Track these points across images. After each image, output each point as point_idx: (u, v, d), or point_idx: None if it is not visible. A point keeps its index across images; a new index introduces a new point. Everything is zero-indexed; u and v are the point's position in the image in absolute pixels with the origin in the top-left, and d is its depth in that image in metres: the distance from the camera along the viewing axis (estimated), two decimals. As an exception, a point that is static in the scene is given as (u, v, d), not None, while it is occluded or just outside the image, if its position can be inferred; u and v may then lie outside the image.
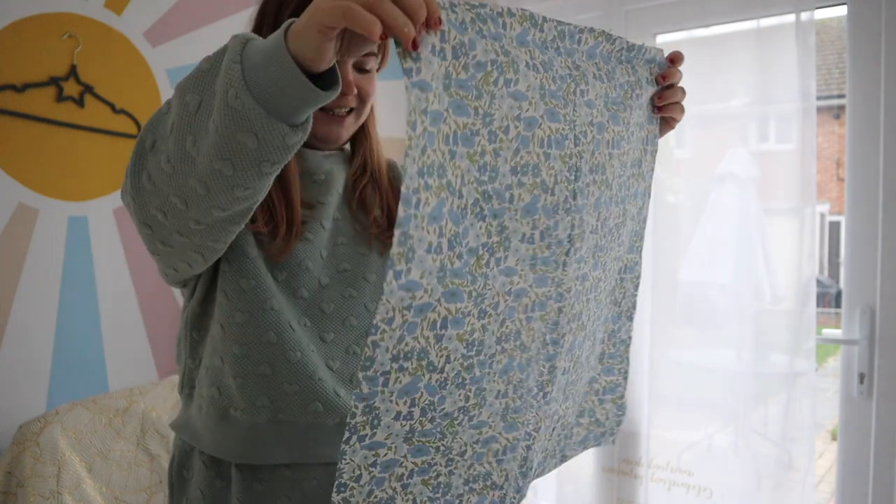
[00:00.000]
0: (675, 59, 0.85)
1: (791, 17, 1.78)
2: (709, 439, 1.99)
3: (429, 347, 0.66)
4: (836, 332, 1.83)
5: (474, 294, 0.67)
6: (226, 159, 0.66)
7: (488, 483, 0.81)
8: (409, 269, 0.60)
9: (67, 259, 1.75)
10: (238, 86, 0.63)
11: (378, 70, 1.02)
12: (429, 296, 0.63)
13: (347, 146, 1.09)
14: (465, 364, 0.70)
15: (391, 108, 1.21)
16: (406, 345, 0.64)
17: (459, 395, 0.71)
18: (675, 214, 2.07)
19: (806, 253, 1.77)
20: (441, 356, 0.68)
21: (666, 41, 2.08)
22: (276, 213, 0.92)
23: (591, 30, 0.75)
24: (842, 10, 1.80)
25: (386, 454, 0.70)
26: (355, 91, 0.95)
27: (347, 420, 0.67)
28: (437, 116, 0.60)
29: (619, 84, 0.79)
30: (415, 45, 0.57)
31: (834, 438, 3.07)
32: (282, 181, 0.93)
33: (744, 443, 1.88)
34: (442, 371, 0.68)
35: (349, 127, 0.99)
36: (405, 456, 0.71)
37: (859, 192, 1.77)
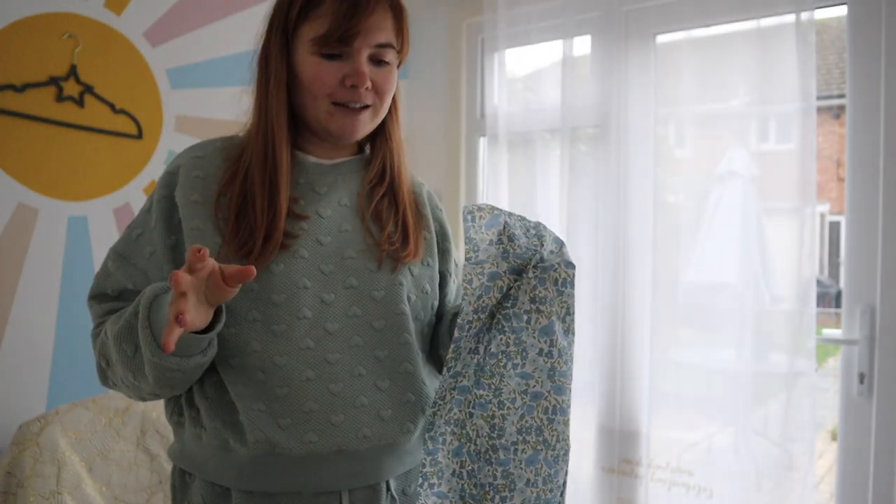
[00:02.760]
0: None
1: (791, 17, 1.77)
2: (709, 439, 1.99)
3: (464, 419, 0.89)
4: (836, 332, 1.83)
5: (493, 387, 0.89)
6: (164, 387, 0.87)
7: None
8: (455, 363, 0.89)
9: (67, 259, 1.75)
10: (153, 348, 0.81)
11: (399, 65, 0.98)
12: (467, 380, 0.90)
13: (368, 150, 1.06)
14: (490, 444, 0.88)
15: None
16: (453, 414, 0.90)
17: (488, 471, 0.88)
18: (674, 214, 2.07)
19: (806, 253, 1.77)
20: (473, 429, 0.89)
21: (666, 41, 2.08)
22: (255, 227, 0.89)
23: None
24: (842, 10, 1.80)
25: None
26: (368, 84, 0.92)
27: (420, 468, 0.89)
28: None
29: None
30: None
31: (834, 438, 3.06)
32: (270, 194, 0.91)
33: (744, 443, 1.88)
34: (475, 443, 0.89)
35: (365, 123, 0.95)
36: None
37: (859, 192, 1.77)
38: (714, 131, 2.03)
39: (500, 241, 0.91)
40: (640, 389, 2.06)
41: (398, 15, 0.95)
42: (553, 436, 0.89)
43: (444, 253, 1.09)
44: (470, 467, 0.89)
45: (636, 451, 2.06)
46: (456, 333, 0.88)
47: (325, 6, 0.91)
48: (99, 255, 1.80)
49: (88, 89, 1.77)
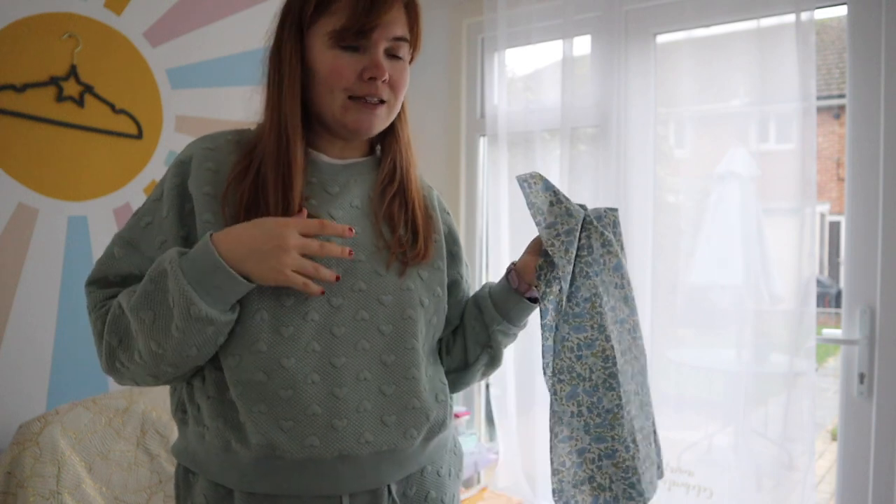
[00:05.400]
0: None
1: (791, 17, 1.78)
2: (709, 439, 1.99)
3: (572, 364, 1.00)
4: (836, 332, 1.83)
5: (595, 326, 1.00)
6: (191, 346, 0.85)
7: (653, 462, 1.06)
8: (547, 309, 1.00)
9: (67, 259, 1.75)
10: (196, 301, 0.82)
11: (411, 62, 0.99)
12: (560, 331, 1.01)
13: (378, 151, 1.05)
14: (607, 373, 0.99)
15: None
16: (557, 364, 1.00)
17: (611, 396, 0.99)
18: (674, 214, 2.07)
19: (806, 253, 1.77)
20: (585, 369, 0.99)
21: (666, 41, 2.08)
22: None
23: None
24: (842, 10, 1.80)
25: (577, 444, 0.99)
26: (387, 76, 0.92)
27: (549, 424, 0.98)
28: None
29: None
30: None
31: (834, 438, 3.07)
32: (283, 191, 0.91)
33: (744, 443, 1.88)
34: (590, 379, 0.99)
35: (381, 118, 0.96)
36: (590, 444, 0.99)
37: (859, 192, 1.77)
38: (714, 131, 2.03)
39: (558, 202, 1.02)
40: (640, 389, 2.06)
41: (411, 12, 0.98)
42: (639, 350, 1.05)
43: (453, 257, 1.08)
44: (588, 402, 0.99)
45: (636, 451, 2.06)
46: (555, 293, 0.99)
47: (342, 0, 0.91)
48: (99, 255, 1.80)
49: (88, 89, 1.77)
